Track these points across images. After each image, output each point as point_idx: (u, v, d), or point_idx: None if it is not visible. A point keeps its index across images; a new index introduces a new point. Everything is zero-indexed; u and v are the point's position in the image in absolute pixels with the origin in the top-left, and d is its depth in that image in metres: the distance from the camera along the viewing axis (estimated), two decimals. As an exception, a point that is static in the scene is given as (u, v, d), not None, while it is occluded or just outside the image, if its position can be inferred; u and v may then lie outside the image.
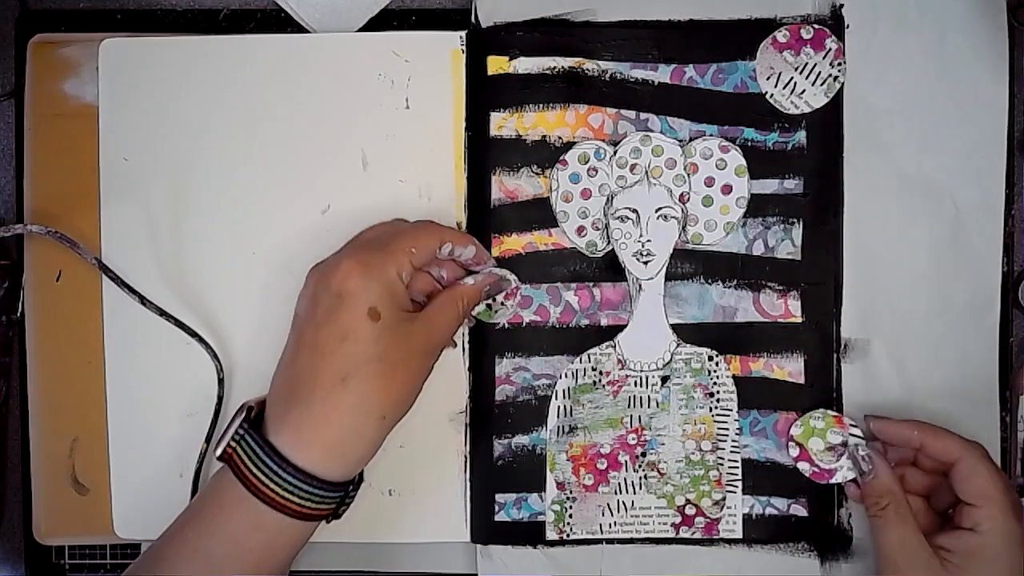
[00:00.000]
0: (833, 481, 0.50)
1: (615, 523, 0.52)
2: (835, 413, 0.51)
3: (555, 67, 0.51)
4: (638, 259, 0.51)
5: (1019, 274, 0.52)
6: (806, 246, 0.51)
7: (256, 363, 0.52)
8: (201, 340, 0.50)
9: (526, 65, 0.51)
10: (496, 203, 0.51)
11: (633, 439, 0.52)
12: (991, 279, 0.51)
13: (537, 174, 0.51)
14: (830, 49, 0.50)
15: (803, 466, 0.51)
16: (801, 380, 0.51)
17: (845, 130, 0.51)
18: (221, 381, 0.51)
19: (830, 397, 0.51)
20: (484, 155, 0.51)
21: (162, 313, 0.50)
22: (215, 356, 0.51)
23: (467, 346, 0.52)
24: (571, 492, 0.52)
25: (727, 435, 0.51)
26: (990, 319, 0.51)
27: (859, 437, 0.50)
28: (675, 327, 0.52)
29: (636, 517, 0.52)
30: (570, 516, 0.52)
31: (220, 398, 0.51)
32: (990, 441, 0.51)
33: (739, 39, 0.51)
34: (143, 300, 0.50)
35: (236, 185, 0.52)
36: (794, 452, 0.51)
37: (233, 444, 0.43)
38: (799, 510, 0.52)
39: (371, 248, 0.46)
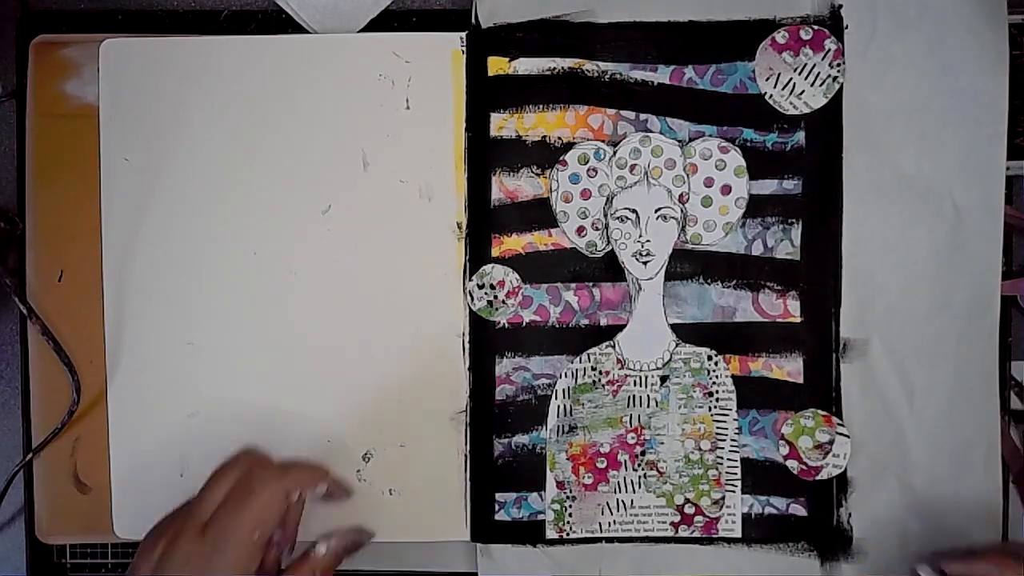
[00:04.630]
0: (819, 478, 0.50)
1: (615, 522, 0.52)
2: (825, 412, 0.51)
3: (555, 68, 0.51)
4: (637, 259, 0.51)
5: (1017, 274, 0.52)
6: (805, 246, 0.51)
7: (255, 362, 0.52)
8: (67, 362, 0.52)
9: (526, 66, 0.51)
10: (496, 203, 0.52)
11: (632, 438, 0.52)
12: (990, 279, 0.51)
13: (537, 174, 0.51)
14: (829, 50, 0.50)
15: (792, 464, 0.51)
16: (800, 380, 0.51)
17: (844, 130, 0.51)
18: (78, 390, 0.52)
19: (829, 397, 0.51)
20: (484, 155, 0.51)
21: (45, 331, 0.51)
22: (72, 371, 0.52)
23: (467, 346, 0.52)
24: (571, 491, 0.52)
25: (726, 435, 0.52)
26: (989, 319, 0.51)
27: (845, 436, 0.51)
28: (674, 327, 0.52)
29: (635, 516, 0.52)
30: (570, 515, 0.52)
31: (71, 412, 0.52)
32: (989, 440, 0.51)
33: (738, 40, 0.51)
34: (30, 313, 0.51)
35: (236, 185, 0.52)
36: (784, 450, 0.51)
37: None
38: (798, 510, 0.52)
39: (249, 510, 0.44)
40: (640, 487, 0.52)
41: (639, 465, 0.52)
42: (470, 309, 0.52)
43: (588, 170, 0.51)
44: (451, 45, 0.52)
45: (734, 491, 0.52)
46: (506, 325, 0.52)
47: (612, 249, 0.51)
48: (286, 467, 0.47)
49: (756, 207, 0.51)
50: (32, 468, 0.53)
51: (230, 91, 0.52)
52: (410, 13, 0.53)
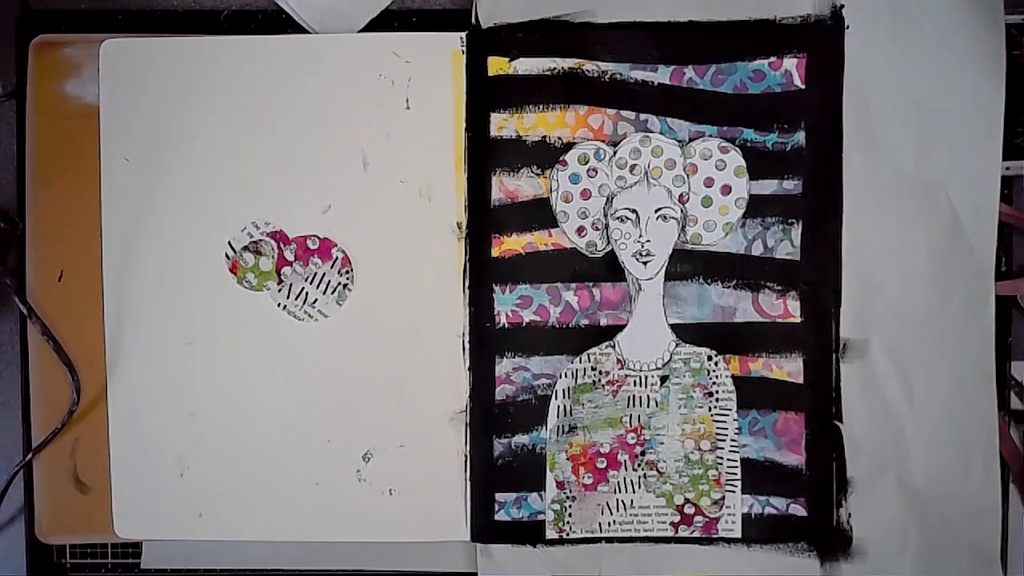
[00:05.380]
0: None
1: (614, 522, 0.52)
2: None
3: (555, 68, 0.51)
4: (637, 259, 0.51)
5: (1017, 274, 0.52)
6: (805, 246, 0.51)
7: (254, 362, 0.52)
8: (67, 362, 0.52)
9: (526, 66, 0.51)
10: (496, 203, 0.52)
11: (632, 438, 0.52)
12: (986, 278, 0.51)
13: (537, 175, 0.51)
14: (336, 258, 0.50)
15: None
16: (800, 380, 0.51)
17: (844, 130, 0.51)
18: (77, 390, 0.52)
19: (829, 397, 0.51)
20: (484, 155, 0.51)
21: (45, 331, 0.51)
22: (72, 371, 0.52)
23: (467, 346, 0.52)
24: (571, 491, 0.52)
25: (726, 435, 0.52)
26: (986, 318, 0.51)
27: None
28: (674, 327, 0.52)
29: (635, 516, 0.52)
30: (570, 515, 0.52)
31: (71, 412, 0.52)
32: (988, 439, 0.51)
33: (739, 40, 0.51)
34: (30, 313, 0.51)
35: (236, 185, 0.52)
36: None
37: None
38: (798, 510, 0.52)
39: None
40: (640, 487, 0.52)
41: (639, 465, 0.52)
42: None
43: (588, 170, 0.51)
44: (451, 45, 0.51)
45: (734, 491, 0.52)
46: (506, 325, 0.52)
47: (612, 249, 0.51)
48: None
49: (756, 207, 0.51)
50: (32, 468, 0.53)
51: (230, 91, 0.52)
52: (410, 13, 0.53)
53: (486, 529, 0.52)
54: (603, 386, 0.52)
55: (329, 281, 0.51)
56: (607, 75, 0.51)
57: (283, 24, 0.53)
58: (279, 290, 0.50)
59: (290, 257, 0.51)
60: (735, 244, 0.51)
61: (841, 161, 0.51)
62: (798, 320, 0.51)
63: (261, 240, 0.50)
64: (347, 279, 0.49)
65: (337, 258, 0.50)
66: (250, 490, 0.52)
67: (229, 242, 0.51)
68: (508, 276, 0.52)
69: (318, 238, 0.50)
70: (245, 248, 0.51)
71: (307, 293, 0.51)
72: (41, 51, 0.52)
